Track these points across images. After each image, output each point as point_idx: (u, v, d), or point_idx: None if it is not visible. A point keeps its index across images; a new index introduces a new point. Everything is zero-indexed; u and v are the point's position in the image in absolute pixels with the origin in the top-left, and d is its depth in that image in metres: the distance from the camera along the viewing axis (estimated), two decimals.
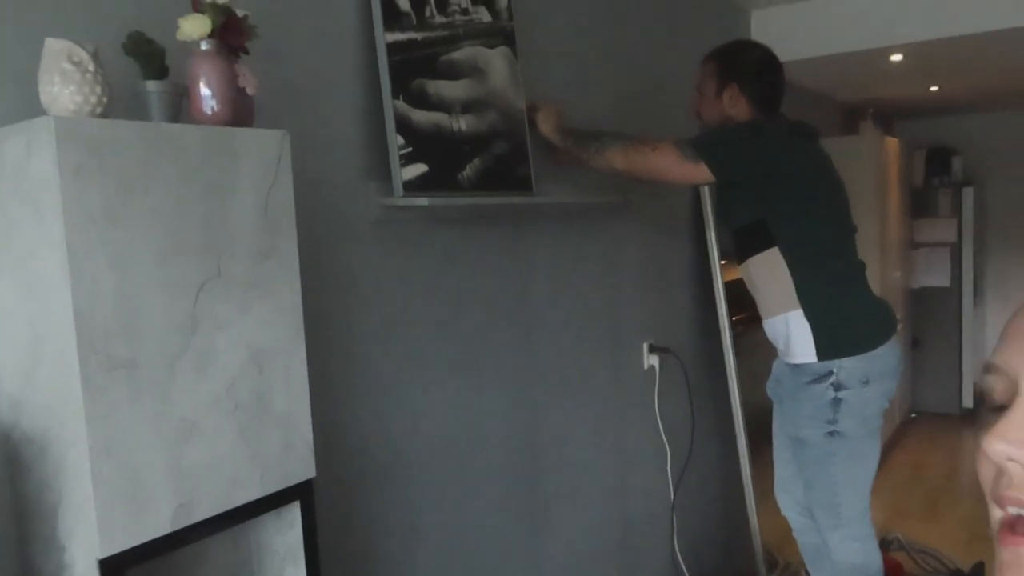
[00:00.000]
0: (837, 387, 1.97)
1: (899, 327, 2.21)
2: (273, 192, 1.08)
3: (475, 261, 1.81)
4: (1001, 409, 0.51)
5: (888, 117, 5.74)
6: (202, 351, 0.98)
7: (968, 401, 5.34)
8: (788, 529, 2.45)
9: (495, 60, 1.77)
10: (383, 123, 1.50)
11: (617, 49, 2.36)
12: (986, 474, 0.52)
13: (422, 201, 1.52)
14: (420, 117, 1.56)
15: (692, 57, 2.22)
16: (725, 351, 2.82)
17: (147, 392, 0.92)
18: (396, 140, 1.50)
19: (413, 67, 1.55)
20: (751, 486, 2.84)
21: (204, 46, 1.01)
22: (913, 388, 5.35)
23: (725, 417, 2.88)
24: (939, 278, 5.37)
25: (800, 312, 2.00)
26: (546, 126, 1.89)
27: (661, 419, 2.49)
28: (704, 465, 2.81)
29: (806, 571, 2.71)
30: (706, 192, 2.80)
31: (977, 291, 5.48)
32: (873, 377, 1.97)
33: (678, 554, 2.56)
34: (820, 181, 2.02)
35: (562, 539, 2.11)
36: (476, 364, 1.81)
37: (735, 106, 2.05)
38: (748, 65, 2.07)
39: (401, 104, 1.52)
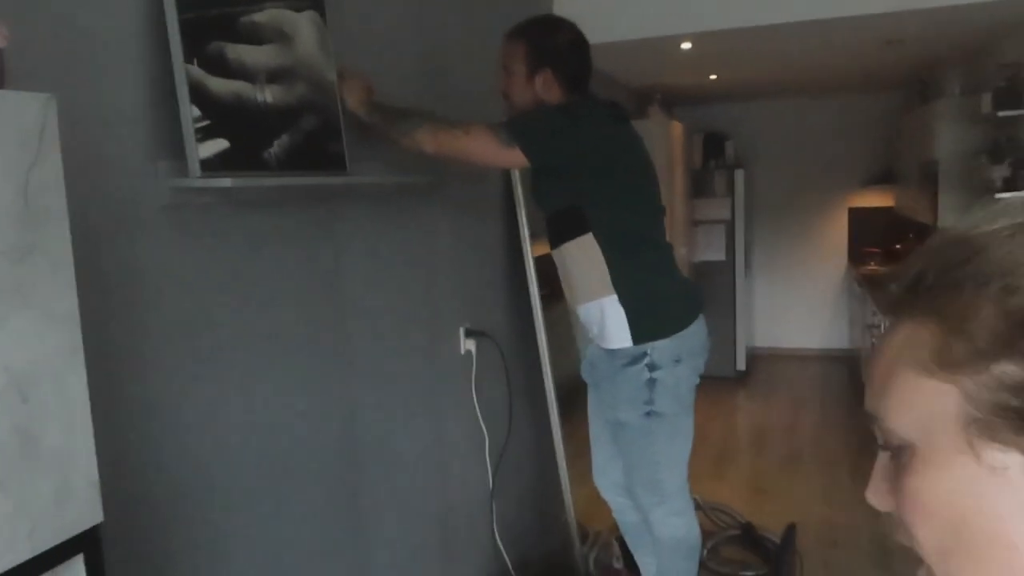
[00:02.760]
0: (652, 368, 2.02)
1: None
2: (35, 172, 0.85)
3: (283, 249, 1.62)
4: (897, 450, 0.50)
5: (670, 103, 6.11)
6: None
7: (741, 364, 5.89)
8: (597, 500, 2.51)
9: (303, 25, 1.58)
10: (174, 91, 1.28)
11: (426, 20, 2.23)
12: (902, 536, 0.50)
13: (223, 182, 1.31)
14: (219, 85, 1.34)
15: (497, 33, 2.14)
16: (538, 331, 2.83)
17: None
18: (190, 111, 1.28)
19: (209, 27, 1.33)
20: (564, 460, 2.89)
21: None
22: None
23: (537, 394, 2.89)
24: (716, 252, 5.85)
25: (615, 297, 2.02)
26: (352, 99, 1.73)
27: (479, 404, 2.44)
28: (520, 446, 2.81)
29: (617, 539, 2.81)
30: (516, 171, 2.77)
31: (748, 264, 6.03)
32: (684, 356, 2.04)
33: (498, 540, 2.54)
34: (634, 165, 2.04)
35: (385, 541, 1.99)
36: (287, 363, 1.63)
37: (548, 90, 2.02)
38: (561, 48, 2.03)
39: (196, 69, 1.30)
